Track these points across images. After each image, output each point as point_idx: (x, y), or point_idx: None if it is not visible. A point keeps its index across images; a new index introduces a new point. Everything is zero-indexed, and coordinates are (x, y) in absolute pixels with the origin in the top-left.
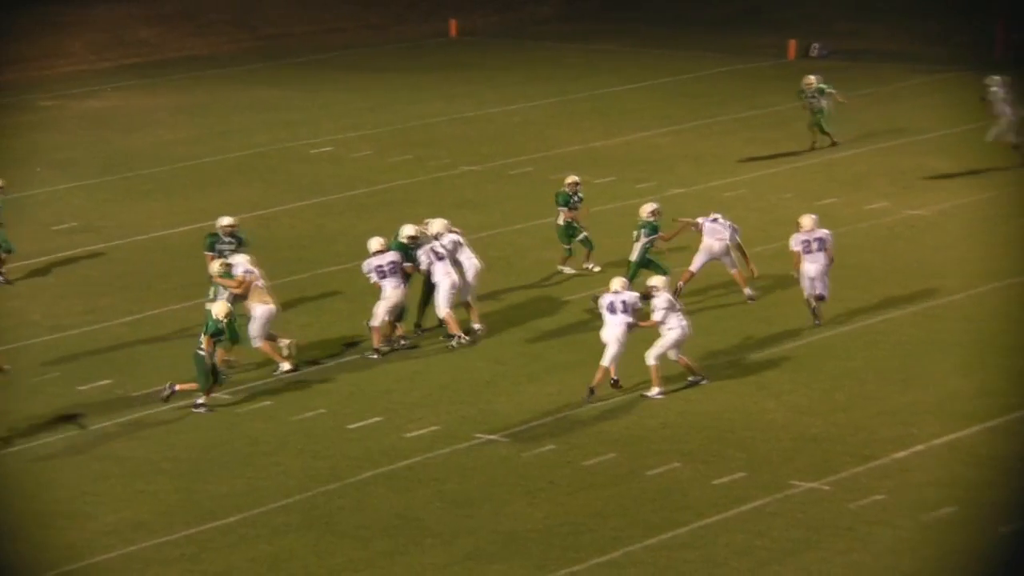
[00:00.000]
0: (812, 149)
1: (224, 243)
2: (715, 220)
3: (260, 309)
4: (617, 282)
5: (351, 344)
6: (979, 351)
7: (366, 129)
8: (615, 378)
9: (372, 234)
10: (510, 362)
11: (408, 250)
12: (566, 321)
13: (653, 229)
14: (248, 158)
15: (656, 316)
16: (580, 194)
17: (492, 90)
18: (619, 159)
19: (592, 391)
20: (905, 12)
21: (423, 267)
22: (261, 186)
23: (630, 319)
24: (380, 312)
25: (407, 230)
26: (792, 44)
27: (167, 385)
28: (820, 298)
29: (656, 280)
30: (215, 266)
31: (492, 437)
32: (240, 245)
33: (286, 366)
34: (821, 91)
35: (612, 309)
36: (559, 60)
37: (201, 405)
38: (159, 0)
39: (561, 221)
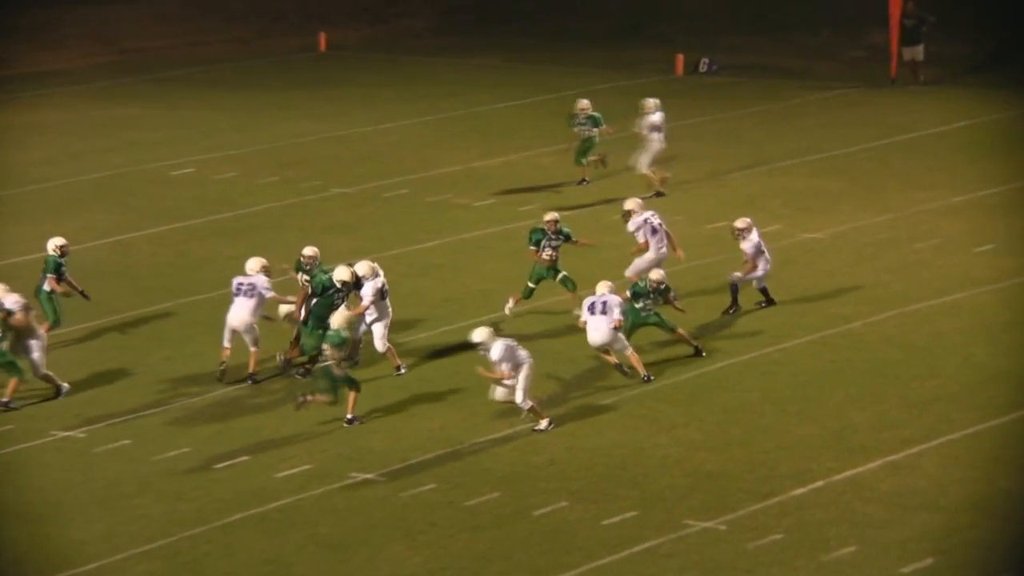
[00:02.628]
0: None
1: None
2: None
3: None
4: (603, 285)
5: (253, 377)
6: (876, 381)
7: (230, 149)
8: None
9: (243, 257)
10: (387, 396)
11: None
12: (447, 353)
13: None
14: (104, 180)
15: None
16: (565, 230)
17: (365, 108)
18: (500, 180)
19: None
20: (793, 27)
21: (366, 304)
22: (119, 210)
23: (613, 319)
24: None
25: (361, 268)
26: (680, 59)
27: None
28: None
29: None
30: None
31: (368, 476)
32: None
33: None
34: (595, 120)
35: (593, 310)
36: (435, 76)
37: (354, 420)
38: (8, 11)
39: (545, 256)
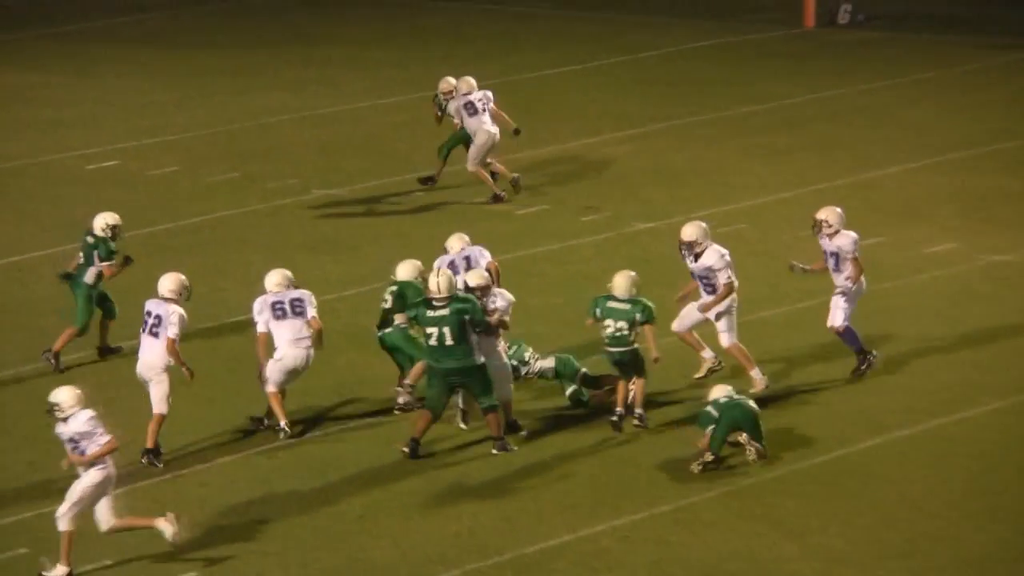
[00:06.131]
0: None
1: None
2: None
3: None
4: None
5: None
6: None
7: (169, 133)
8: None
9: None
10: (396, 480)
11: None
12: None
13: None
14: None
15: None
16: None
17: (357, 75)
18: (553, 177)
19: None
20: None
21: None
22: (10, 220)
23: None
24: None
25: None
26: (809, 4)
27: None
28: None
29: None
30: None
31: None
32: None
33: None
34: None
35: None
36: (456, 30)
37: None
38: None
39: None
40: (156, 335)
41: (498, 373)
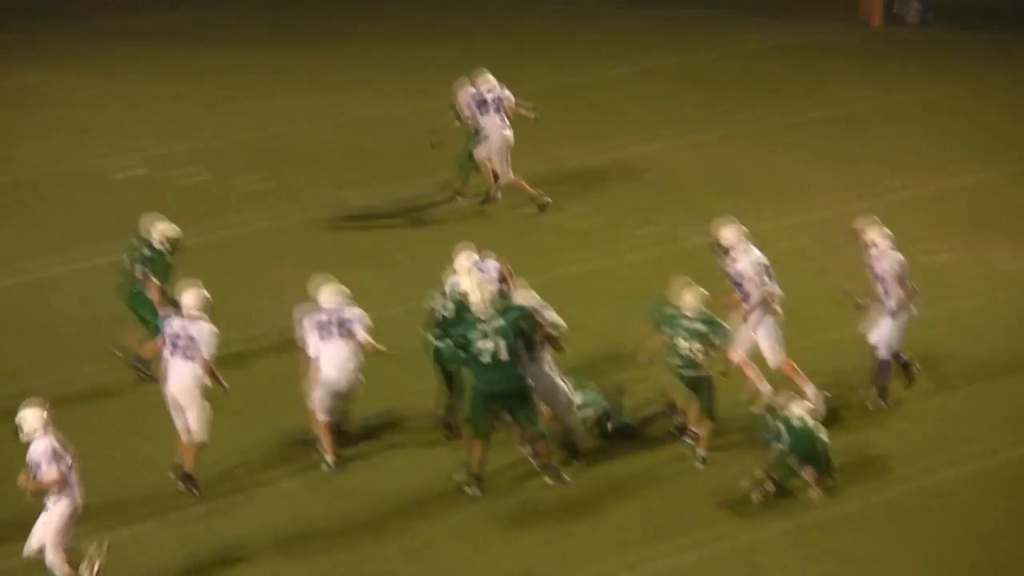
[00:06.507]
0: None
1: None
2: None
3: None
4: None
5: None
6: None
7: (198, 139)
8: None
9: (219, 299)
10: (436, 512)
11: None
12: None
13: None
14: (8, 186)
15: None
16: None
17: (401, 74)
18: (610, 185)
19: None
20: None
21: None
22: (31, 232)
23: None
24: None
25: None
26: (877, 3)
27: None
28: None
29: None
30: None
31: None
32: None
33: None
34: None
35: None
36: (504, 26)
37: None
38: None
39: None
40: (190, 357)
41: (555, 393)
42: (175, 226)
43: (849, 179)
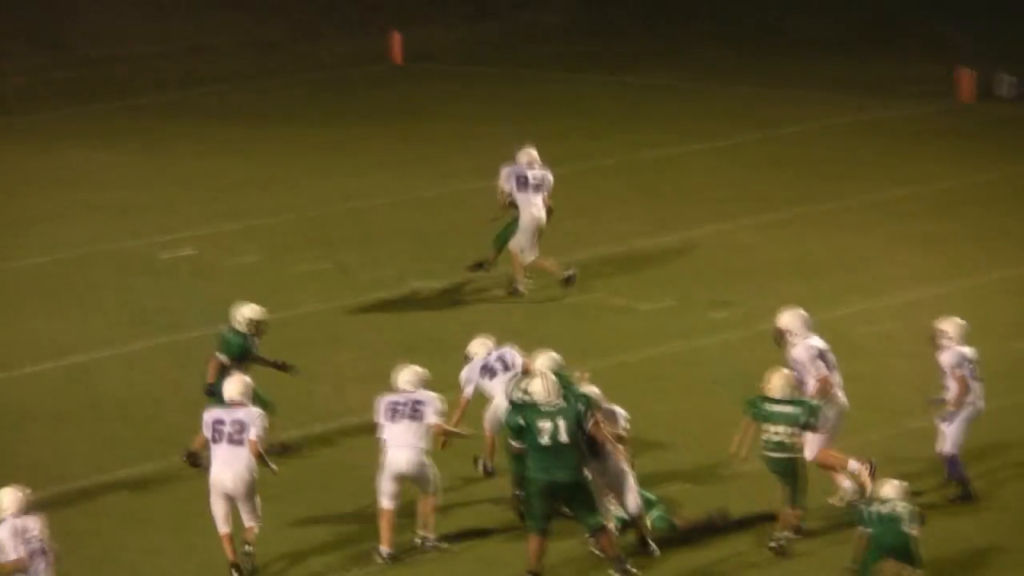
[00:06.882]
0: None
1: None
2: None
3: None
4: None
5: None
6: None
7: (252, 217)
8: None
9: (274, 388)
10: None
11: None
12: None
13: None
14: (52, 267)
15: None
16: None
17: (463, 153)
18: (681, 267)
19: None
20: None
21: None
22: (74, 316)
23: None
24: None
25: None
26: (966, 76)
27: None
28: None
29: None
30: None
31: None
32: None
33: None
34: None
35: None
36: (573, 102)
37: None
38: None
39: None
40: (238, 442)
41: (621, 479)
42: (258, 307)
43: (937, 261)
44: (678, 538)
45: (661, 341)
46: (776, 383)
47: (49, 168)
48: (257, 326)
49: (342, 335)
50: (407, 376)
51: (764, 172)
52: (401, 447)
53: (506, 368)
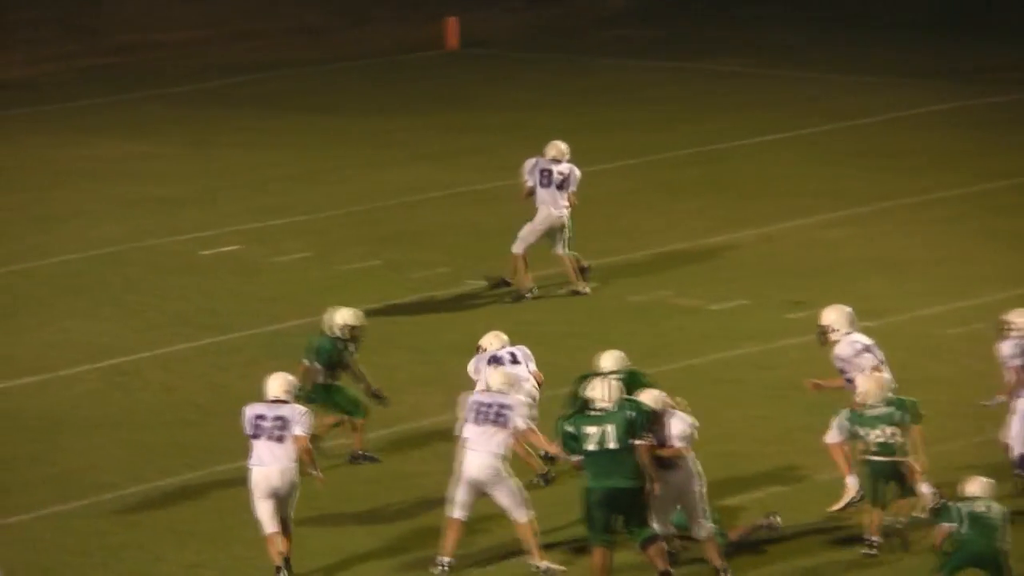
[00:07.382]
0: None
1: None
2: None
3: None
4: None
5: None
6: None
7: (299, 213)
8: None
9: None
10: None
11: None
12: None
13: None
14: (88, 264)
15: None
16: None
17: (522, 144)
18: (754, 264)
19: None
20: None
21: None
22: (113, 316)
23: None
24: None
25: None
26: None
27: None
28: None
29: None
30: None
31: None
32: None
33: None
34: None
35: None
36: (638, 91)
37: None
38: None
39: None
40: (281, 439)
41: (691, 484)
42: (355, 312)
43: None
44: (730, 551)
45: (733, 343)
46: (873, 391)
47: (83, 160)
48: (352, 331)
49: (393, 336)
50: (501, 379)
51: (845, 164)
52: (478, 451)
53: (514, 362)
